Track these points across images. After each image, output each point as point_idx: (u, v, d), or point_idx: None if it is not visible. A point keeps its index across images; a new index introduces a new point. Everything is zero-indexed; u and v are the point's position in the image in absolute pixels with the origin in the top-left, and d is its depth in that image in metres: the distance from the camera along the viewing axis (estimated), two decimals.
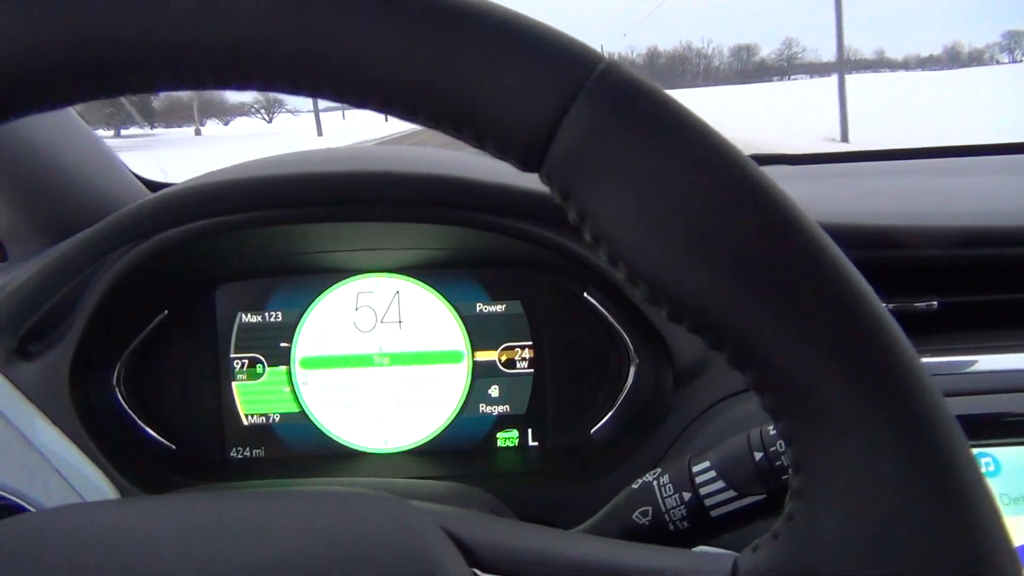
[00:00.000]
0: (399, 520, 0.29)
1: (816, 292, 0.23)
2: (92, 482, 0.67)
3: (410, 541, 0.28)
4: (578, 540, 0.30)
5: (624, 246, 0.24)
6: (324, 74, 0.24)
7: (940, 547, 0.22)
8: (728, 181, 0.23)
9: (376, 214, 0.65)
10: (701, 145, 0.24)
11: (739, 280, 0.23)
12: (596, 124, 0.24)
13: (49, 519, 0.31)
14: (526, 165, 0.25)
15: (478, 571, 0.28)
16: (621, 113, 0.24)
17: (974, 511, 0.23)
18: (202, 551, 0.28)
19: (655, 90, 0.24)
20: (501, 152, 0.25)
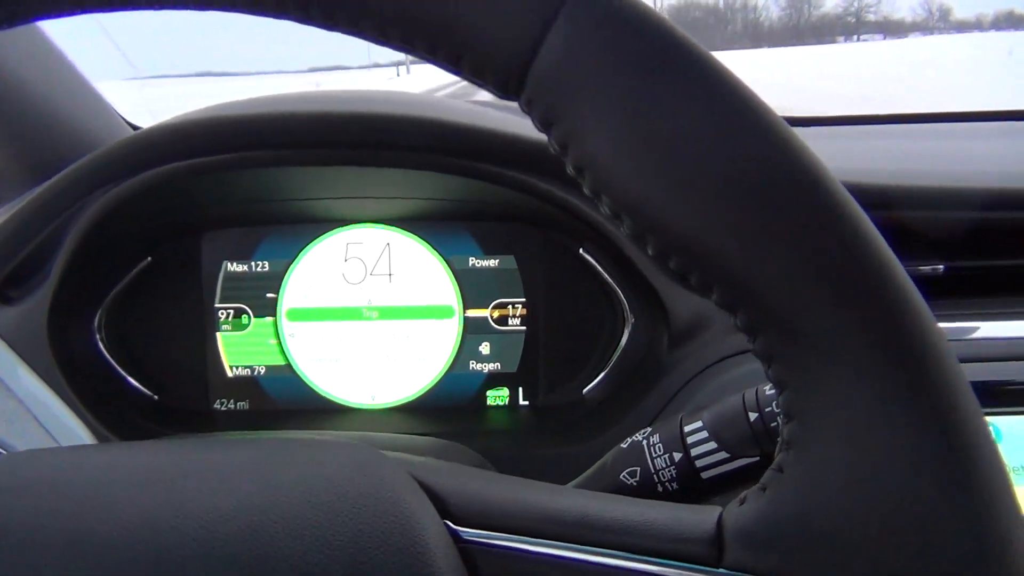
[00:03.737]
0: (368, 467, 0.28)
1: (810, 222, 0.21)
2: (71, 430, 0.65)
3: (379, 489, 0.26)
4: (556, 492, 0.28)
5: (608, 175, 0.23)
6: None
7: (940, 497, 0.21)
8: (719, 104, 0.22)
9: (366, 159, 0.62)
10: (690, 67, 0.22)
11: (729, 210, 0.22)
12: (579, 44, 0.22)
13: (11, 462, 0.30)
14: (505, 89, 0.24)
15: (450, 523, 0.26)
16: (606, 32, 0.22)
17: (976, 459, 0.21)
18: (160, 497, 0.26)
19: (642, 6, 0.22)
20: (478, 75, 0.23)
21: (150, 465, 0.29)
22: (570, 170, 0.24)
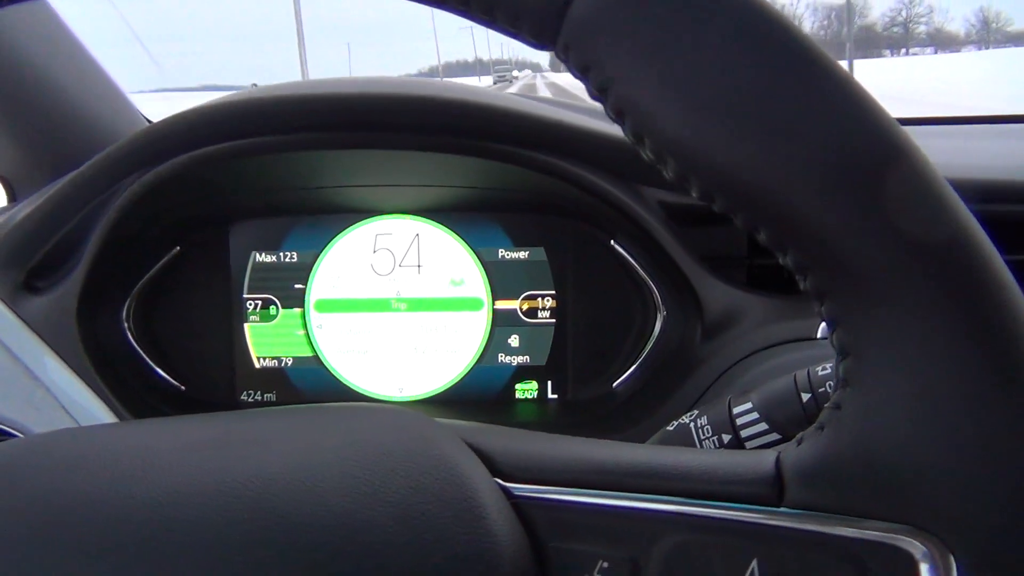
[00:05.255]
0: (416, 429, 0.27)
1: (866, 152, 0.21)
2: (99, 419, 0.65)
3: (429, 448, 0.26)
4: (603, 445, 0.27)
5: (650, 117, 0.22)
6: None
7: (1003, 429, 0.21)
8: (768, 39, 0.21)
9: (396, 142, 0.61)
10: (735, 4, 0.21)
11: (775, 145, 0.21)
12: None
13: (45, 441, 0.29)
14: (541, 37, 0.23)
15: (500, 480, 0.26)
16: None
17: None
18: (209, 463, 0.26)
19: None
20: (513, 25, 0.23)
21: (193, 436, 0.28)
22: (609, 114, 0.23)
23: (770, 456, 0.25)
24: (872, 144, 0.21)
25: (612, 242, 0.70)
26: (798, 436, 0.25)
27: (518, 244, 0.73)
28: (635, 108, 0.22)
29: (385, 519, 0.23)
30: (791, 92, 0.21)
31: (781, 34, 0.21)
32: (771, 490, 0.24)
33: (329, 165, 0.68)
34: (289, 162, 0.65)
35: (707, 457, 0.26)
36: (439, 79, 0.73)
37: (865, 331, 0.22)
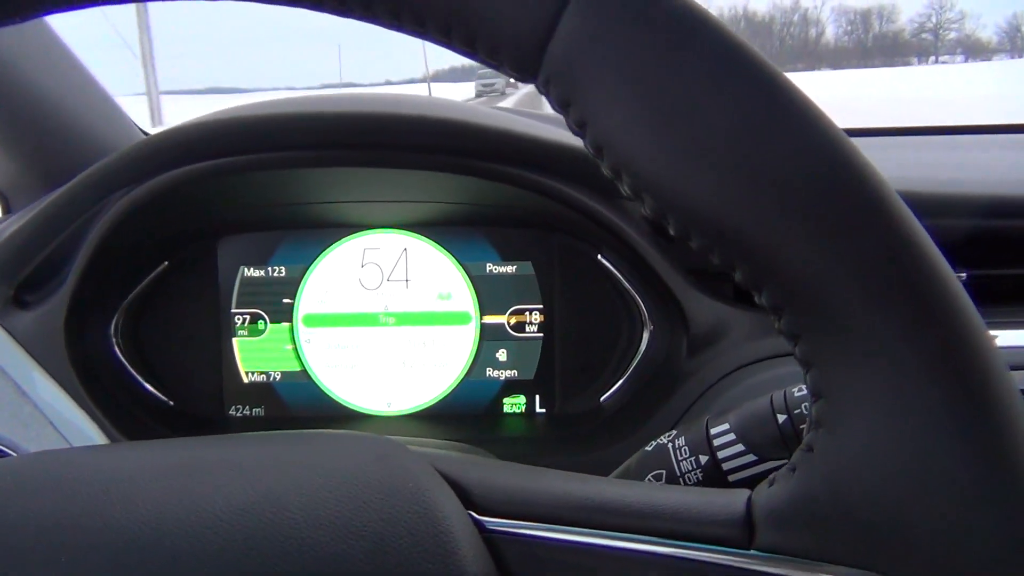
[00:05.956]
0: (389, 459, 0.27)
1: (843, 197, 0.21)
2: (87, 435, 0.65)
3: (402, 479, 0.26)
4: (579, 480, 0.27)
5: (628, 154, 0.22)
6: None
7: (974, 479, 0.21)
8: (741, 79, 0.21)
9: (386, 160, 0.62)
10: (711, 42, 0.22)
11: (754, 184, 0.21)
12: (596, 21, 0.22)
13: (26, 463, 0.29)
14: (521, 71, 0.23)
15: (474, 513, 0.26)
16: (623, 9, 0.22)
17: (1012, 441, 0.21)
18: (180, 491, 0.26)
19: None
20: (493, 57, 0.23)
21: (168, 461, 0.28)
22: (588, 149, 0.23)
23: (742, 496, 0.25)
24: (851, 191, 0.21)
25: (599, 256, 0.70)
26: (771, 477, 0.25)
27: (506, 258, 0.74)
28: (612, 147, 0.22)
29: (356, 551, 0.23)
30: (766, 136, 0.21)
31: (759, 77, 0.21)
32: (741, 532, 0.24)
33: (317, 181, 0.68)
34: (278, 178, 0.66)
35: (680, 496, 0.26)
36: (427, 96, 0.74)
37: (838, 375, 0.22)
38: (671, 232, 0.23)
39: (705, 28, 0.22)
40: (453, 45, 0.23)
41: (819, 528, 0.23)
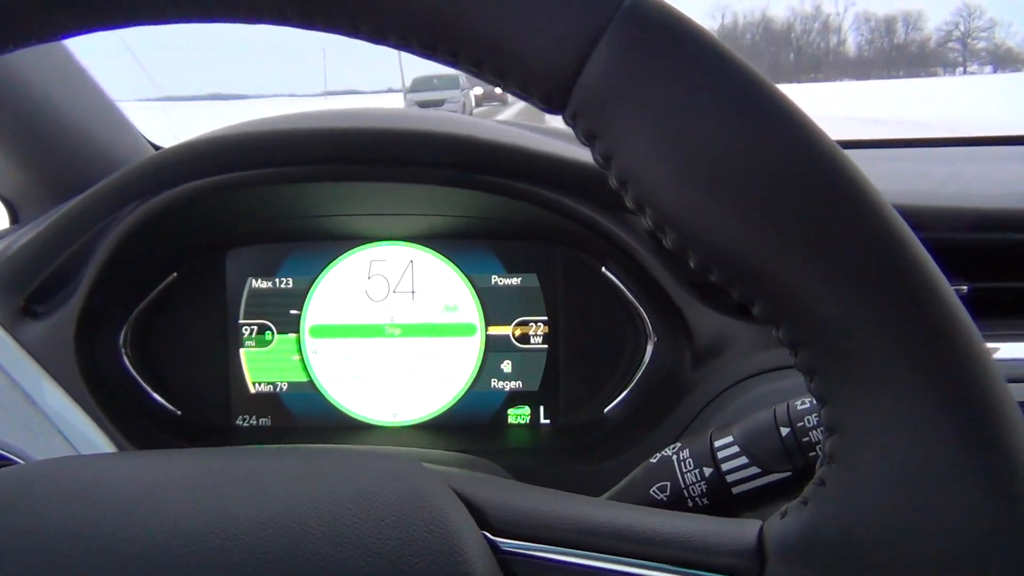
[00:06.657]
0: (407, 478, 0.28)
1: (861, 238, 0.21)
2: (96, 445, 0.65)
3: (419, 499, 0.26)
4: (594, 504, 0.28)
5: (651, 188, 0.23)
6: (338, 7, 0.23)
7: (988, 515, 0.21)
8: (767, 120, 0.22)
9: (391, 175, 0.63)
10: (738, 82, 0.22)
11: (777, 224, 0.22)
12: (626, 58, 0.22)
13: (47, 469, 0.30)
14: (550, 104, 0.24)
15: (488, 534, 0.26)
16: (653, 47, 0.22)
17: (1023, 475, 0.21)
18: (204, 503, 0.26)
19: (689, 22, 0.23)
20: (523, 89, 0.24)
21: (191, 472, 0.29)
22: (613, 183, 0.24)
23: (753, 528, 0.25)
24: (865, 230, 0.21)
25: (603, 269, 0.71)
26: (782, 508, 0.25)
27: (511, 270, 0.74)
28: (636, 180, 0.23)
29: (372, 570, 0.24)
30: (793, 180, 0.22)
31: (787, 123, 0.22)
32: (753, 563, 0.24)
33: (325, 194, 0.69)
34: (286, 191, 0.67)
35: (694, 524, 0.26)
36: (434, 111, 0.74)
37: (853, 412, 0.22)
38: (692, 265, 0.23)
39: (733, 69, 0.22)
40: (483, 75, 0.24)
41: (830, 562, 0.23)
